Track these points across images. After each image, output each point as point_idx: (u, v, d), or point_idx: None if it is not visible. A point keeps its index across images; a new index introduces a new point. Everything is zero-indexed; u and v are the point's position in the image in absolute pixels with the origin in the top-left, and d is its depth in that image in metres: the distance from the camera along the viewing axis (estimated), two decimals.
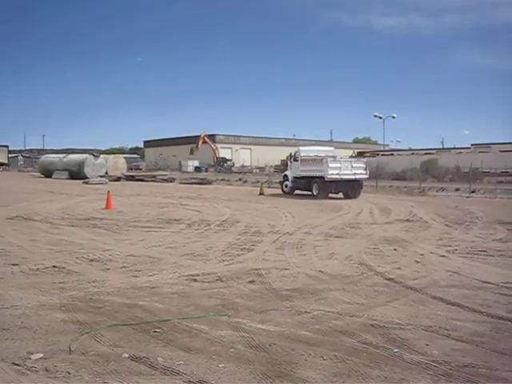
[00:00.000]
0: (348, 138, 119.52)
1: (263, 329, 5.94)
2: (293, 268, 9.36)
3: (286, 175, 31.55)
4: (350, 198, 27.32)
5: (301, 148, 31.70)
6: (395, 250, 11.38)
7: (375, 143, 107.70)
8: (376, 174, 40.01)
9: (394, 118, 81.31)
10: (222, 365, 4.88)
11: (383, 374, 4.70)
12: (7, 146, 78.59)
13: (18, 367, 4.77)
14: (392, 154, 68.01)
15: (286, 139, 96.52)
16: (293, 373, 4.71)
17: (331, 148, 33.42)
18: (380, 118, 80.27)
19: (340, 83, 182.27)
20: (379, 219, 17.69)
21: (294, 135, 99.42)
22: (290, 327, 6.02)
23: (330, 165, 27.09)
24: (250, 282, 8.28)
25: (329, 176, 26.89)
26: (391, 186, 36.28)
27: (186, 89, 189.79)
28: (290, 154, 31.50)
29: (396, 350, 5.27)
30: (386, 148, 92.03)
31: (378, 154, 69.04)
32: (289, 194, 30.13)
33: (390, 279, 8.54)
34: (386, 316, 6.50)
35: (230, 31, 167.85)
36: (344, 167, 27.58)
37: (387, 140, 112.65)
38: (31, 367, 4.77)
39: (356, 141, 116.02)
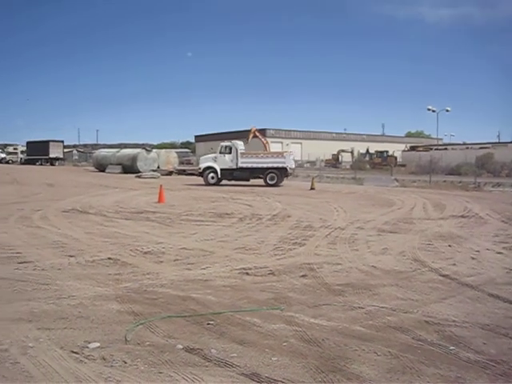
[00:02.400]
0: (400, 132, 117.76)
1: (316, 323, 5.93)
2: (345, 263, 9.29)
3: (209, 167, 33.36)
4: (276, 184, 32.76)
5: (237, 142, 34.60)
6: (450, 246, 11.14)
7: (428, 137, 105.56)
8: (429, 169, 39.30)
9: (447, 111, 79.68)
10: (275, 358, 4.90)
11: (439, 371, 4.62)
12: (62, 141, 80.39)
13: (77, 355, 4.92)
14: (446, 149, 66.42)
15: (336, 133, 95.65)
16: (346, 368, 4.68)
17: (242, 142, 36.58)
18: (434, 111, 78.77)
19: (392, 77, 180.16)
20: (433, 215, 17.33)
21: (345, 129, 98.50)
22: (342, 322, 5.99)
23: (290, 157, 33.41)
24: (302, 276, 8.26)
25: (292, 166, 33.95)
26: (445, 181, 35.48)
27: (237, 83, 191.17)
28: (221, 147, 33.96)
29: (452, 348, 5.17)
30: (440, 142, 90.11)
31: (431, 149, 67.68)
32: (215, 184, 32.61)
33: (444, 275, 8.37)
34: (441, 313, 6.38)
35: (280, 27, 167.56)
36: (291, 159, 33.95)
37: (441, 134, 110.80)
38: (89, 355, 4.91)
39: (409, 135, 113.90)
